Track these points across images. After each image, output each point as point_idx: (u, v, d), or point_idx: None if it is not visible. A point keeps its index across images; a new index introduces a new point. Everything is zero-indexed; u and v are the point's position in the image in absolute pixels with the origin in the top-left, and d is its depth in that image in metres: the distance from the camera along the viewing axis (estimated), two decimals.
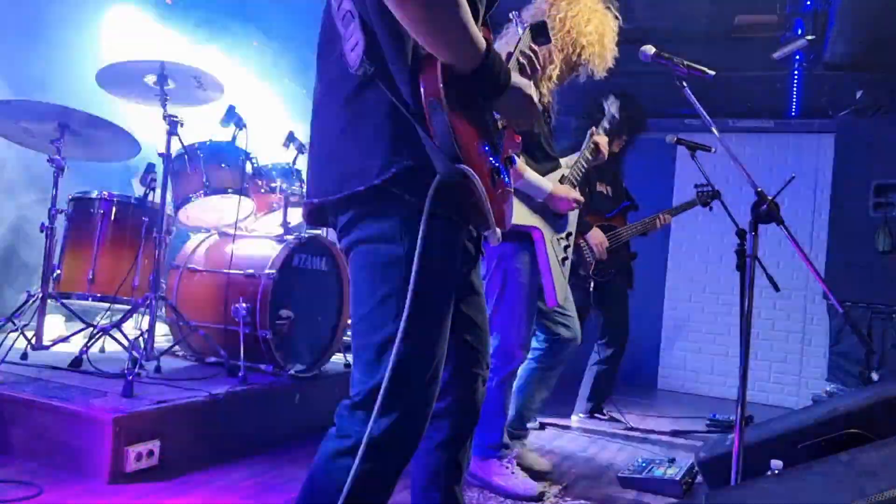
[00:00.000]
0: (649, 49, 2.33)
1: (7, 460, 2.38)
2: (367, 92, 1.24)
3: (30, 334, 2.98)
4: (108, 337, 3.02)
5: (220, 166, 3.42)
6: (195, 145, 3.42)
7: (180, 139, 3.21)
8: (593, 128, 2.77)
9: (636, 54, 2.36)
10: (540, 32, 1.51)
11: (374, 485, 1.26)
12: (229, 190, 3.39)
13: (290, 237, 3.31)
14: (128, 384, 2.52)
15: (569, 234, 2.71)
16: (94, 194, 3.25)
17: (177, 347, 3.31)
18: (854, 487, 1.52)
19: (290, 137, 3.84)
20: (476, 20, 1.28)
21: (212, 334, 3.16)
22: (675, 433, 4.08)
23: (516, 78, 1.34)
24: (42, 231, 3.09)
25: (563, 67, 2.52)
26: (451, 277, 1.33)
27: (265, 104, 5.52)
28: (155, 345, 3.03)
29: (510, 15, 1.70)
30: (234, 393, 2.78)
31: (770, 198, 2.05)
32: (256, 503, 2.31)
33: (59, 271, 3.19)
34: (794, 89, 5.51)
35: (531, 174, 2.56)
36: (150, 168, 3.28)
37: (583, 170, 2.73)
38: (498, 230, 1.30)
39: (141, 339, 2.95)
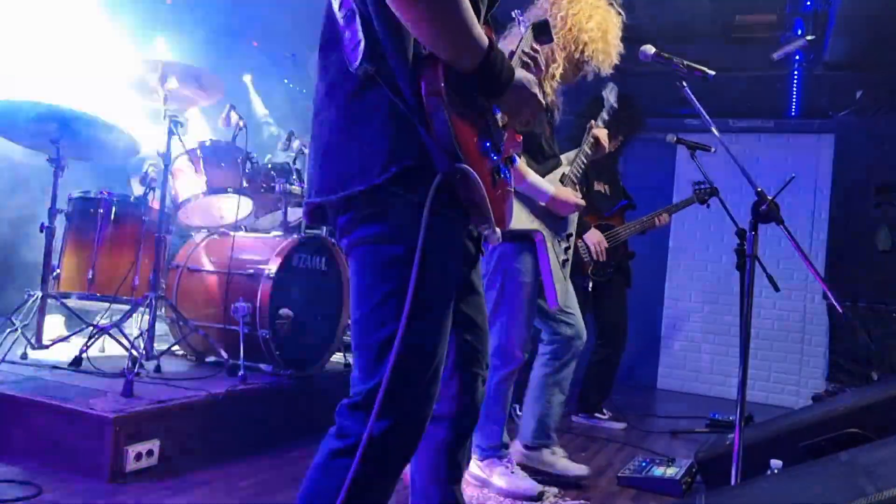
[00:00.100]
0: (649, 49, 2.33)
1: (7, 460, 2.38)
2: (367, 91, 1.24)
3: (30, 334, 2.98)
4: (108, 337, 3.02)
5: (220, 166, 3.42)
6: (195, 145, 3.42)
7: (180, 139, 3.21)
8: (592, 121, 2.76)
9: (636, 54, 2.36)
10: (542, 31, 1.51)
11: (374, 485, 1.26)
12: (229, 190, 3.39)
13: (289, 237, 3.31)
14: (128, 384, 2.52)
15: (569, 236, 2.70)
16: (94, 194, 3.25)
17: (177, 347, 3.31)
18: (854, 487, 1.52)
19: (290, 137, 3.84)
20: (478, 19, 1.28)
21: (211, 334, 3.16)
22: (674, 433, 4.08)
23: (520, 74, 1.34)
24: (42, 231, 3.10)
25: (567, 66, 2.51)
26: (451, 277, 1.33)
27: (265, 104, 5.53)
28: (155, 344, 3.04)
29: (513, 14, 1.70)
30: (233, 392, 2.78)
31: (770, 197, 2.05)
32: (256, 503, 2.31)
33: (58, 271, 3.20)
34: (794, 89, 5.51)
35: (534, 177, 2.55)
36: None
37: (583, 166, 2.72)
38: (498, 230, 1.30)
39: (141, 338, 2.95)
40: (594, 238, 3.74)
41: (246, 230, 3.65)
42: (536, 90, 1.37)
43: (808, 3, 4.50)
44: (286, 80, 5.68)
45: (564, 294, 2.65)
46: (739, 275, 2.09)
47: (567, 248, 2.69)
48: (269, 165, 3.67)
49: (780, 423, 2.75)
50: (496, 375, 2.61)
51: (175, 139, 3.16)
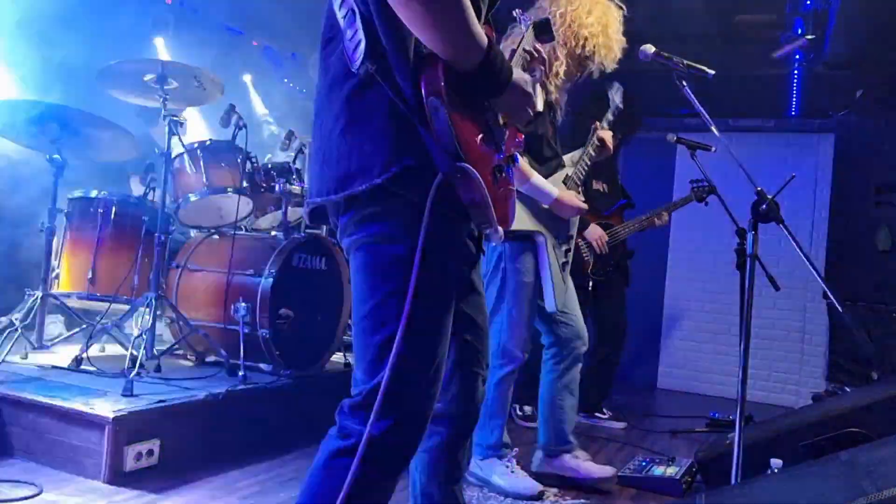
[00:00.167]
0: (649, 48, 2.33)
1: (7, 460, 2.38)
2: (368, 91, 1.24)
3: (30, 334, 2.98)
4: (108, 336, 3.02)
5: (220, 166, 3.42)
6: (195, 145, 3.42)
7: (180, 139, 3.21)
8: (597, 122, 2.75)
9: (636, 53, 2.36)
10: (543, 30, 1.51)
11: (375, 485, 1.25)
12: (229, 189, 3.39)
13: (289, 237, 3.31)
14: (128, 384, 2.52)
15: (570, 238, 2.70)
16: (94, 194, 3.25)
17: (177, 347, 3.31)
18: (853, 486, 1.52)
19: (290, 136, 3.84)
20: (479, 18, 1.28)
21: (211, 334, 3.16)
22: (674, 432, 4.08)
23: (518, 74, 1.34)
24: (42, 231, 3.09)
25: (570, 62, 2.50)
26: (452, 277, 1.33)
27: (265, 103, 5.53)
28: (155, 344, 3.04)
29: (514, 13, 1.70)
30: (233, 392, 2.78)
31: (770, 197, 2.05)
32: (256, 503, 2.31)
33: (58, 271, 3.20)
34: (794, 88, 5.51)
35: (538, 179, 2.54)
36: (150, 167, 3.29)
37: (587, 167, 2.72)
38: (500, 229, 1.30)
39: (141, 338, 2.95)
40: (595, 234, 3.74)
41: (246, 230, 3.65)
42: (531, 90, 1.36)
43: (809, 2, 4.50)
44: (286, 80, 5.69)
45: (562, 297, 2.65)
46: (739, 274, 2.09)
47: (567, 251, 2.68)
48: (269, 165, 3.67)
49: (780, 423, 2.76)
50: (496, 375, 2.61)
51: (175, 139, 3.17)
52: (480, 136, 1.29)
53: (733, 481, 2.01)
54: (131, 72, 3.16)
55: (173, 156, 3.21)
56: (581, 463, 2.77)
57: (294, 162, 3.76)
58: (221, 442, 2.70)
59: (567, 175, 2.67)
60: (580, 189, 2.69)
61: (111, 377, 2.75)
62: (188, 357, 3.39)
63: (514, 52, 1.45)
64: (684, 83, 2.31)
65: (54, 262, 3.17)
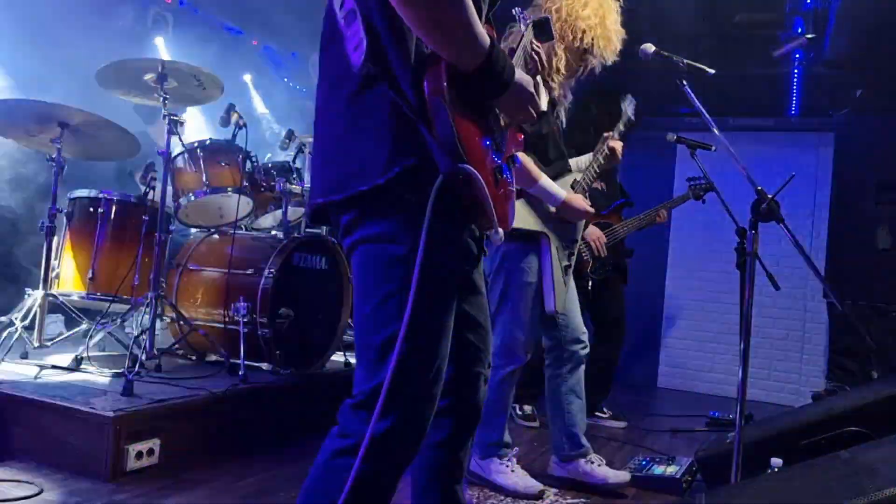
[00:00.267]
0: (649, 47, 2.33)
1: (7, 460, 2.38)
2: (369, 91, 1.24)
3: (29, 334, 2.98)
4: (108, 336, 3.02)
5: (220, 165, 3.42)
6: (195, 144, 3.42)
7: (180, 138, 3.21)
8: (609, 132, 2.75)
9: (636, 52, 2.36)
10: (542, 29, 1.51)
11: (375, 485, 1.25)
12: (229, 189, 3.39)
13: (289, 236, 3.31)
14: (128, 383, 2.52)
15: (574, 242, 2.69)
16: (95, 194, 3.25)
17: (177, 346, 3.31)
18: (854, 486, 1.52)
19: (290, 136, 3.84)
20: (479, 17, 1.28)
21: (212, 333, 3.16)
22: (674, 431, 4.09)
23: (519, 74, 1.34)
24: (42, 230, 3.09)
25: (569, 57, 2.49)
26: (453, 277, 1.33)
27: (265, 103, 5.53)
28: (155, 343, 3.04)
29: (514, 11, 1.70)
30: (234, 391, 2.78)
31: (770, 196, 2.05)
32: (256, 503, 2.31)
33: (58, 271, 3.20)
34: (794, 88, 5.51)
35: (546, 181, 2.54)
36: (150, 167, 3.28)
37: (595, 175, 2.72)
38: (500, 230, 1.30)
39: (141, 337, 2.95)
40: (594, 234, 3.74)
41: (246, 229, 3.65)
42: (533, 91, 1.36)
43: (808, 1, 4.50)
44: (286, 79, 5.69)
45: (563, 299, 2.64)
46: (739, 273, 2.09)
47: (571, 255, 2.68)
48: (270, 164, 3.67)
49: (780, 422, 2.76)
50: (498, 375, 2.61)
51: (175, 138, 3.17)
52: (482, 137, 1.29)
53: (733, 480, 2.01)
54: (131, 71, 3.16)
55: (173, 155, 3.21)
56: (596, 468, 2.73)
57: (294, 161, 3.76)
58: (221, 441, 2.70)
59: (576, 180, 2.67)
60: (587, 194, 2.69)
61: (111, 377, 2.75)
62: (188, 356, 3.39)
63: (513, 50, 1.45)
64: (684, 82, 2.31)
65: (54, 262, 3.17)
